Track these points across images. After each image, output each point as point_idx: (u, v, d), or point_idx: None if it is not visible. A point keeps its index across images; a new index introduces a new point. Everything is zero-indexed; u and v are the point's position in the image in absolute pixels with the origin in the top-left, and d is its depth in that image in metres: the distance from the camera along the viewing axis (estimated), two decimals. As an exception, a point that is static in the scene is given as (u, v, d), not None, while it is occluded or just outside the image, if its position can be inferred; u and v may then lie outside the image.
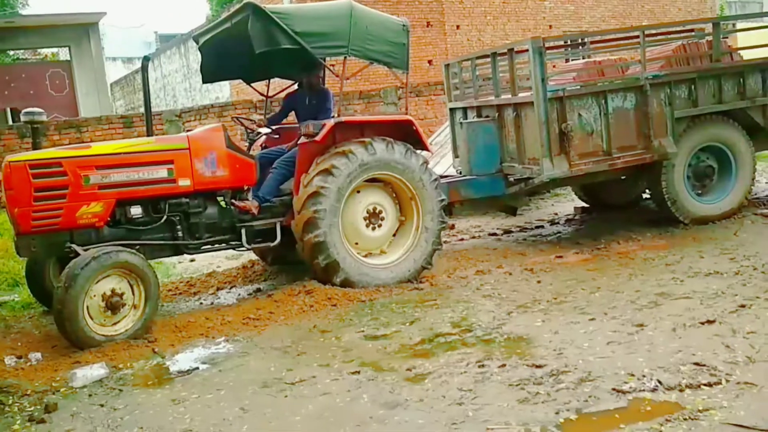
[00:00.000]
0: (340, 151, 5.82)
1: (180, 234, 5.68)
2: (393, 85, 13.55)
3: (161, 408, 3.86)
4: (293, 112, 6.96)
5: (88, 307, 4.88)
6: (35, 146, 6.26)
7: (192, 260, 7.72)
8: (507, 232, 8.08)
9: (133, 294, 5.11)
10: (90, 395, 4.12)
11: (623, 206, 8.38)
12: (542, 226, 8.21)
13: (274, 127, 6.74)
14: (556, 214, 8.88)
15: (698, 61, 7.13)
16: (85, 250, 5.04)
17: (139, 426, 3.64)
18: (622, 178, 7.58)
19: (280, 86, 7.61)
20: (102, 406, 3.95)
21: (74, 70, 19.87)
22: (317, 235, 5.67)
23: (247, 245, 5.89)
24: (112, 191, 5.37)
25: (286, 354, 4.55)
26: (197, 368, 4.45)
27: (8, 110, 20.94)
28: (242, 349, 4.73)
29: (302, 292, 5.68)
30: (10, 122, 18.89)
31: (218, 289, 6.61)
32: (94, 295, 4.92)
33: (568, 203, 9.39)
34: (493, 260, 6.59)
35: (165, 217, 5.60)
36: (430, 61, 18.33)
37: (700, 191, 7.19)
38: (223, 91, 21.22)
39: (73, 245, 5.19)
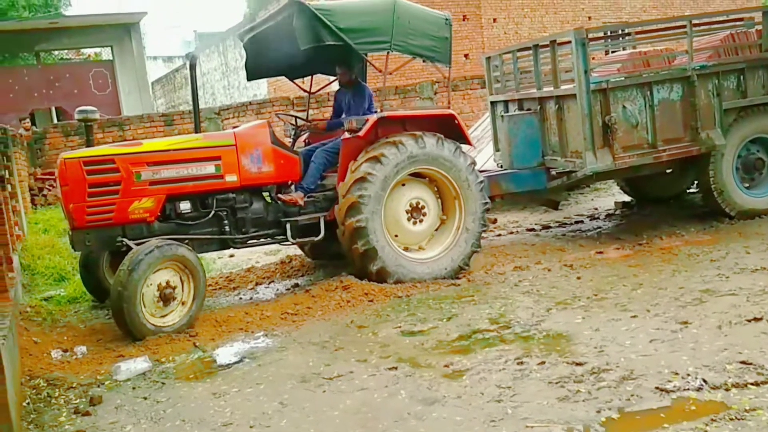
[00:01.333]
0: (391, 141, 5.87)
1: (227, 228, 5.80)
2: (429, 80, 13.49)
3: (202, 401, 3.92)
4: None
5: (143, 295, 5.04)
6: (89, 143, 6.48)
7: (231, 255, 7.82)
8: (545, 227, 7.97)
9: (183, 289, 5.25)
10: (134, 388, 4.21)
11: (668, 200, 8.19)
12: (582, 222, 8.08)
13: (311, 120, 6.80)
14: (596, 209, 8.73)
15: (747, 51, 6.92)
16: (137, 245, 5.20)
17: (181, 419, 3.71)
18: (668, 171, 7.41)
19: (322, 82, 7.65)
20: (145, 399, 4.04)
21: (116, 69, 20.32)
22: (359, 220, 5.72)
23: (292, 239, 5.98)
24: (163, 187, 5.53)
25: (323, 349, 4.58)
26: (237, 362, 4.50)
27: (53, 109, 21.52)
28: (281, 343, 4.78)
29: (339, 287, 5.71)
30: (56, 121, 19.40)
31: (257, 284, 6.69)
32: (151, 284, 5.08)
33: (608, 198, 9.23)
34: (532, 256, 6.51)
35: (213, 212, 5.74)
36: (466, 55, 18.20)
37: (748, 184, 6.99)
38: (261, 88, 21.43)
39: (125, 239, 5.37)
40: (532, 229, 7.93)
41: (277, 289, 6.41)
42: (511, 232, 7.91)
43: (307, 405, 3.72)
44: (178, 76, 29.90)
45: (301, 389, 3.95)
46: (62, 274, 7.26)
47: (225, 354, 4.70)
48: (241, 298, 6.25)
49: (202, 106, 24.44)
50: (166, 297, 5.14)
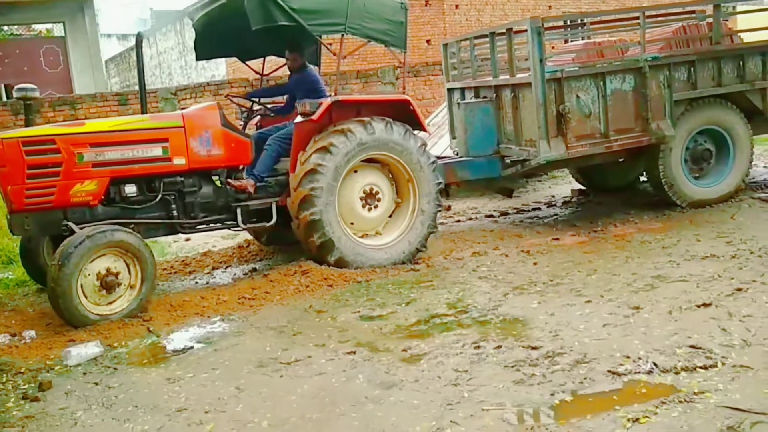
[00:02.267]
0: (338, 129, 5.78)
1: (175, 213, 5.64)
2: (390, 65, 13.44)
3: (156, 386, 3.85)
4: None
5: (82, 286, 4.87)
6: (28, 123, 6.23)
7: (187, 239, 7.69)
8: (504, 214, 8.06)
9: (130, 273, 5.09)
10: (84, 373, 4.11)
11: (620, 189, 8.36)
12: (539, 209, 8.19)
13: (269, 106, 6.69)
14: (553, 196, 8.85)
15: (698, 44, 7.07)
16: (81, 229, 5.01)
17: (134, 404, 3.63)
18: (620, 160, 7.54)
19: (276, 64, 7.53)
20: (97, 384, 3.95)
21: (69, 46, 19.67)
22: (313, 213, 5.65)
23: (243, 225, 5.86)
24: (107, 169, 5.32)
25: (281, 334, 4.54)
26: (192, 347, 4.44)
27: (2, 86, 20.73)
28: (238, 328, 4.72)
29: (298, 272, 5.66)
30: (4, 98, 18.70)
31: (214, 268, 6.59)
32: (89, 274, 4.90)
33: (565, 185, 9.37)
34: (490, 242, 6.57)
35: (160, 195, 5.56)
36: (428, 41, 18.18)
37: (697, 174, 7.17)
38: (219, 69, 21.03)
39: (70, 223, 5.16)
40: (491, 216, 8.00)
41: (235, 274, 6.33)
42: (470, 219, 7.96)
43: (264, 390, 3.68)
44: (133, 54, 29.11)
45: (258, 374, 3.92)
46: (10, 257, 7.04)
47: (180, 339, 4.63)
48: (197, 283, 6.16)
49: (158, 85, 23.89)
50: (108, 284, 4.97)
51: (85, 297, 4.90)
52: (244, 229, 6.06)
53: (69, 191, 5.19)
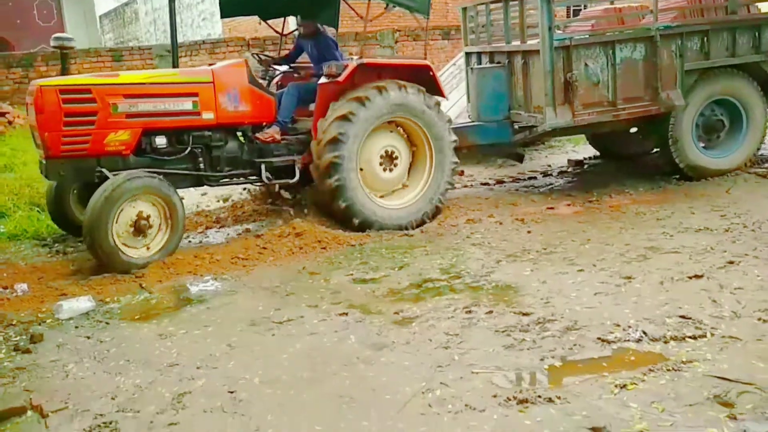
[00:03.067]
0: (355, 96, 5.85)
1: (202, 166, 5.79)
2: (390, 28, 13.26)
3: (148, 342, 3.86)
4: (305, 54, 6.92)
5: (116, 228, 5.02)
6: (63, 71, 6.31)
7: (181, 198, 7.63)
8: (499, 182, 8.04)
9: (160, 218, 5.26)
10: (76, 327, 4.12)
11: (637, 157, 8.30)
12: (535, 178, 8.17)
13: (292, 65, 6.78)
14: (550, 166, 8.83)
15: (713, 13, 6.96)
16: (115, 176, 5.14)
17: (125, 358, 3.65)
18: (632, 130, 7.50)
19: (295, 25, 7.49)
20: (88, 338, 3.96)
21: (62, 0, 19.30)
22: (338, 179, 5.76)
23: (267, 181, 5.98)
24: (139, 120, 5.44)
25: (274, 294, 4.55)
26: (185, 305, 4.44)
27: (-6, 39, 20.36)
28: (230, 287, 4.72)
29: (292, 234, 5.65)
30: (-3, 51, 18.37)
31: (207, 228, 6.56)
32: (124, 218, 5.06)
33: (561, 155, 9.34)
34: (485, 209, 6.57)
35: (188, 148, 5.69)
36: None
37: (705, 144, 7.12)
38: (215, 28, 20.73)
39: (104, 170, 5.28)
40: (486, 183, 7.98)
41: (228, 234, 6.31)
42: (465, 186, 7.94)
43: (256, 348, 3.70)
44: (128, 10, 28.62)
45: (250, 332, 3.93)
46: (2, 211, 6.97)
47: (172, 296, 4.62)
48: (190, 242, 6.13)
49: (152, 42, 23.54)
50: (141, 228, 5.15)
51: (120, 240, 5.05)
52: (268, 184, 6.17)
53: (103, 140, 5.32)
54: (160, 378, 3.40)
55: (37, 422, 3.05)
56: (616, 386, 3.04)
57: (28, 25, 18.54)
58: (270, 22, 7.18)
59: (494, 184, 7.93)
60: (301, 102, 6.23)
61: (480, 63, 7.69)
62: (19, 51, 14.17)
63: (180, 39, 22.52)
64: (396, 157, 6.18)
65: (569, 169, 8.48)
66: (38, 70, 12.25)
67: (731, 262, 4.55)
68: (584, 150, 9.38)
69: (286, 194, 6.44)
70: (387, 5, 6.34)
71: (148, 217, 5.19)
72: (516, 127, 7.13)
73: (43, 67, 12.34)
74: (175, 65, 6.20)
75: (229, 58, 12.01)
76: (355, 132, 5.81)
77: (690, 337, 3.49)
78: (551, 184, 7.76)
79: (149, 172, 5.33)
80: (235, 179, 6.06)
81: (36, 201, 6.95)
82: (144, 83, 5.55)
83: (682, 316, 3.74)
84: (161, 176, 5.35)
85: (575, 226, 5.78)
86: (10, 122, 11.07)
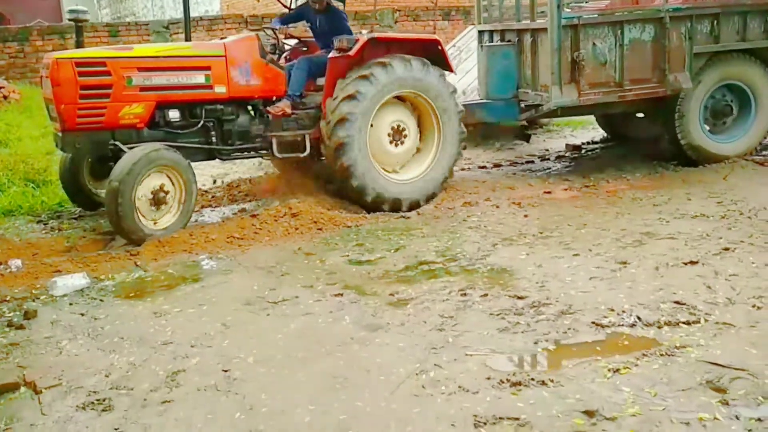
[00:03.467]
0: (361, 74, 5.85)
1: (214, 139, 5.83)
2: (389, 7, 13.14)
3: (142, 320, 3.86)
4: (304, 24, 6.91)
5: (137, 202, 5.08)
6: (78, 45, 6.30)
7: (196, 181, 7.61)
8: (497, 165, 8.01)
9: (176, 190, 5.33)
10: (71, 304, 4.11)
11: (647, 140, 8.28)
12: (533, 162, 8.15)
13: (302, 39, 6.86)
14: (547, 150, 8.80)
15: None
16: (130, 149, 5.18)
17: (119, 336, 3.64)
18: (639, 115, 7.47)
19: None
20: (82, 315, 3.95)
21: (58, -27, 19.06)
22: (349, 158, 5.79)
23: (278, 155, 6.00)
24: (153, 94, 5.49)
25: (269, 274, 4.54)
26: (179, 283, 4.43)
27: (-10, 13, 20.12)
28: (225, 266, 4.71)
29: (288, 214, 5.64)
30: (-9, 25, 18.18)
31: (202, 207, 6.53)
32: (143, 190, 5.12)
33: (559, 140, 9.31)
34: (482, 193, 6.55)
35: (201, 122, 5.73)
36: (429, -15, 17.72)
37: (710, 128, 7.09)
38: (213, 4, 20.52)
39: (118, 143, 5.32)
40: (484, 167, 7.96)
41: (224, 213, 6.29)
42: (463, 169, 7.91)
43: (250, 327, 3.70)
44: (126, -14, 28.25)
45: (245, 312, 3.93)
46: (-4, 187, 6.93)
47: (167, 274, 4.61)
48: (185, 220, 6.11)
49: (149, 18, 23.28)
50: (159, 200, 5.22)
51: (140, 213, 5.11)
52: (279, 158, 6.19)
53: (118, 113, 5.36)
54: (154, 356, 3.40)
55: (31, 398, 3.05)
56: (609, 370, 3.05)
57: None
58: None
59: (492, 168, 7.91)
60: (310, 75, 6.26)
61: (492, 41, 7.66)
62: (15, 25, 14.00)
63: (177, 15, 22.30)
64: (404, 132, 6.19)
65: (567, 154, 8.45)
66: (33, 44, 12.13)
67: (726, 249, 4.56)
68: (582, 135, 9.37)
69: None
70: None
71: (168, 192, 5.27)
72: (523, 105, 7.11)
73: (38, 41, 12.22)
74: (187, 39, 6.19)
75: (228, 35, 11.91)
76: (363, 110, 5.81)
77: (684, 323, 3.50)
78: (549, 168, 7.74)
79: (167, 145, 5.39)
80: (246, 153, 6.09)
81: (31, 177, 6.91)
82: (158, 56, 5.60)
83: (677, 302, 3.74)
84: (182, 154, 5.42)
85: (572, 211, 5.77)
86: (5, 96, 10.96)
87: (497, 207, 6.00)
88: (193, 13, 21.26)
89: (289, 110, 6.00)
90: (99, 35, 12.63)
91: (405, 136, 6.19)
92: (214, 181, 7.29)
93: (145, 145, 5.24)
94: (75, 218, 6.07)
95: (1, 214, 6.12)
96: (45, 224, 5.91)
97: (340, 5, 6.84)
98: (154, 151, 5.15)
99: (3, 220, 6.00)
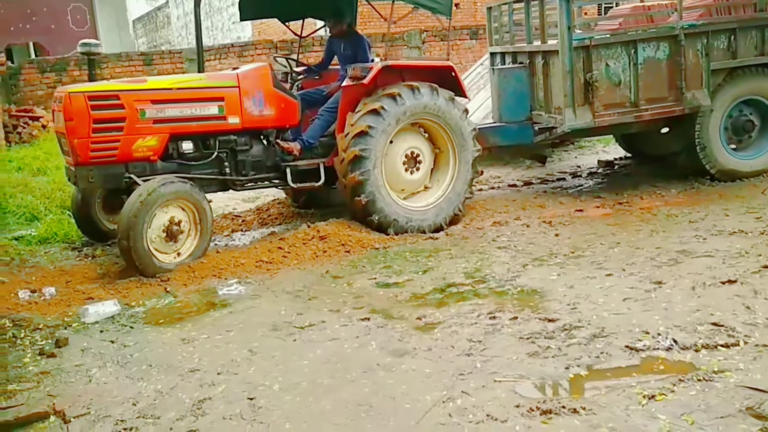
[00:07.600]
0: (388, 93, 5.84)
1: (228, 170, 5.82)
2: (417, 29, 13.20)
3: (171, 346, 3.87)
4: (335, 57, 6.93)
5: (150, 234, 5.06)
6: (91, 78, 6.40)
7: (209, 201, 7.68)
8: (527, 183, 7.92)
9: (190, 223, 5.30)
10: (101, 331, 4.16)
11: (667, 158, 8.14)
12: (564, 179, 8.04)
13: (303, 69, 6.85)
14: (579, 167, 8.67)
15: (741, 11, 6.78)
16: (144, 182, 5.18)
17: (148, 363, 3.66)
18: (663, 131, 7.34)
19: (312, 27, 7.50)
20: (112, 342, 3.99)
21: (95, 5, 19.65)
22: (362, 173, 5.74)
23: (292, 185, 5.99)
24: (167, 126, 5.48)
25: (297, 298, 4.53)
26: (208, 309, 4.45)
27: (31, 44, 20.85)
28: (254, 291, 4.72)
29: (316, 237, 5.64)
30: (33, 56, 18.82)
31: (233, 231, 6.60)
32: (157, 222, 5.10)
33: (591, 156, 9.17)
34: (511, 212, 6.47)
35: (215, 153, 5.72)
36: (456, 4, 17.79)
37: (735, 146, 6.94)
38: (245, 31, 20.89)
39: (132, 176, 5.34)
40: (514, 185, 7.87)
41: (253, 237, 6.33)
42: (493, 188, 7.85)
43: (276, 353, 3.68)
44: (160, 14, 29.03)
45: (271, 337, 3.92)
46: (34, 214, 7.08)
47: (196, 300, 4.64)
48: (216, 245, 6.14)
49: (184, 46, 23.82)
50: (173, 233, 5.19)
51: (153, 246, 5.09)
52: (294, 189, 6.19)
53: (131, 146, 5.35)
54: (181, 383, 3.40)
55: (60, 428, 3.07)
56: (644, 397, 2.94)
57: (62, 30, 18.91)
58: (290, 25, 7.20)
59: (522, 186, 7.82)
60: (330, 124, 6.20)
61: (503, 63, 7.61)
62: (53, 56, 14.45)
63: (210, 42, 22.78)
64: (419, 157, 6.14)
65: (599, 170, 8.32)
66: (71, 74, 12.48)
67: (766, 267, 4.39)
68: (615, 150, 9.21)
69: None
70: (414, 7, 6.34)
71: (180, 222, 5.23)
72: (537, 128, 7.03)
73: (75, 71, 12.56)
74: (200, 70, 6.23)
75: (257, 61, 12.07)
76: (384, 127, 5.79)
77: (722, 346, 3.37)
78: (580, 185, 7.62)
79: (179, 177, 5.36)
80: (260, 183, 6.07)
81: (66, 205, 7.05)
82: (171, 89, 5.58)
83: (714, 324, 3.61)
84: (191, 182, 5.39)
85: (604, 229, 5.65)
86: (44, 126, 11.30)
87: (527, 226, 5.92)
88: (225, 40, 21.75)
89: (297, 153, 5.99)
90: (134, 64, 12.94)
91: (420, 162, 6.14)
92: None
93: (157, 178, 5.18)
94: (108, 245, 6.17)
95: (37, 242, 6.25)
96: (79, 251, 6.01)
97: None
98: (149, 195, 5.00)
99: (38, 248, 6.12)
